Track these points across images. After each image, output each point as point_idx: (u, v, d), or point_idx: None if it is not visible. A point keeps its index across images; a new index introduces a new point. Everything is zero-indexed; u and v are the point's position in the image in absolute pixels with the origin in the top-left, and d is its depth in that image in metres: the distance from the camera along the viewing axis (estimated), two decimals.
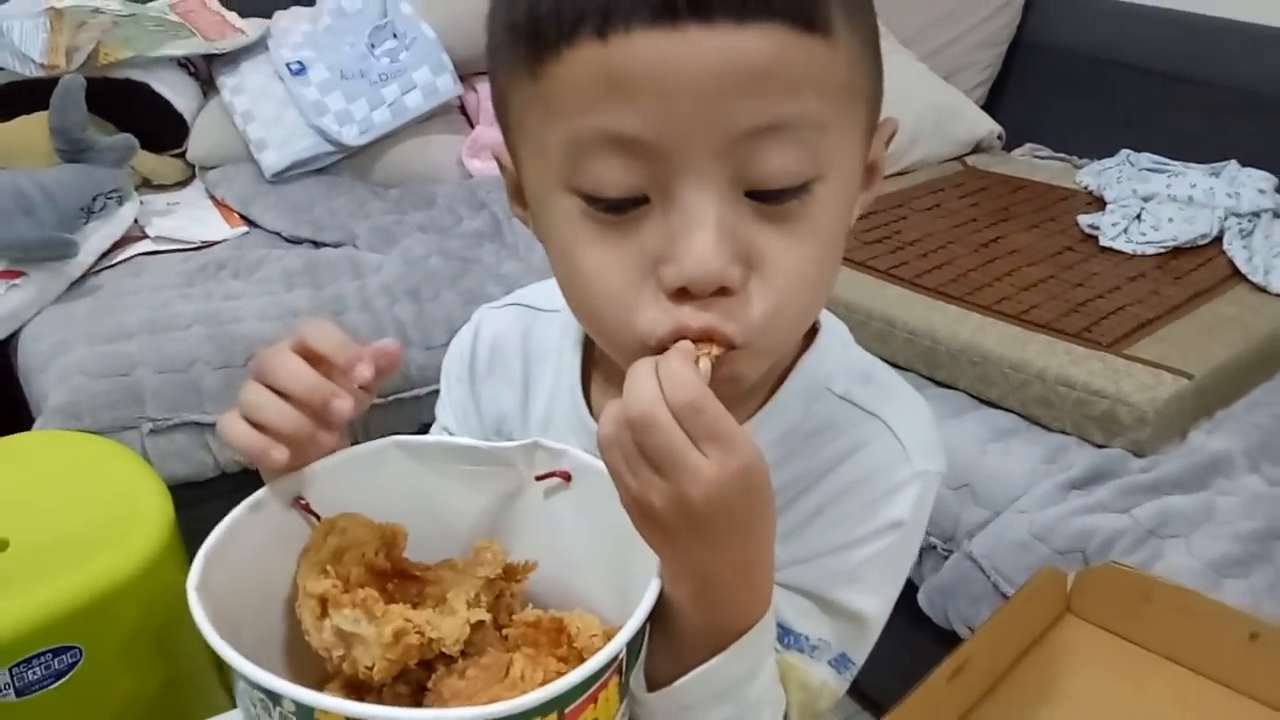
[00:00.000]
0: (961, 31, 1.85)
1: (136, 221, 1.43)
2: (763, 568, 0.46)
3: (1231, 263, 1.32)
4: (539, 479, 0.55)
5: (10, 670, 0.85)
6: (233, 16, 1.64)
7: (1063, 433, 1.09)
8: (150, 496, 1.00)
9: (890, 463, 0.53)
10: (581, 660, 0.48)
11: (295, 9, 1.77)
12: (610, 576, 0.53)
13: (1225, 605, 0.77)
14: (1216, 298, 1.25)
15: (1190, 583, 0.90)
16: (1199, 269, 1.31)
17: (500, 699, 0.46)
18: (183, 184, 1.60)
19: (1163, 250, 1.35)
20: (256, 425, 0.51)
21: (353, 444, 0.61)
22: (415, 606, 0.51)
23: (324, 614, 0.49)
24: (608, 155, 0.43)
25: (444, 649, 0.49)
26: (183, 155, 1.59)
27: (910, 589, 1.08)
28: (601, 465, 0.49)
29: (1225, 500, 0.98)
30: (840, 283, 0.50)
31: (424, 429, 1.30)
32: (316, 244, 1.43)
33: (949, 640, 1.09)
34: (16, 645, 0.85)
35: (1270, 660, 0.71)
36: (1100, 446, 1.06)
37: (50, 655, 0.88)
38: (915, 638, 1.06)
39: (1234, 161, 1.51)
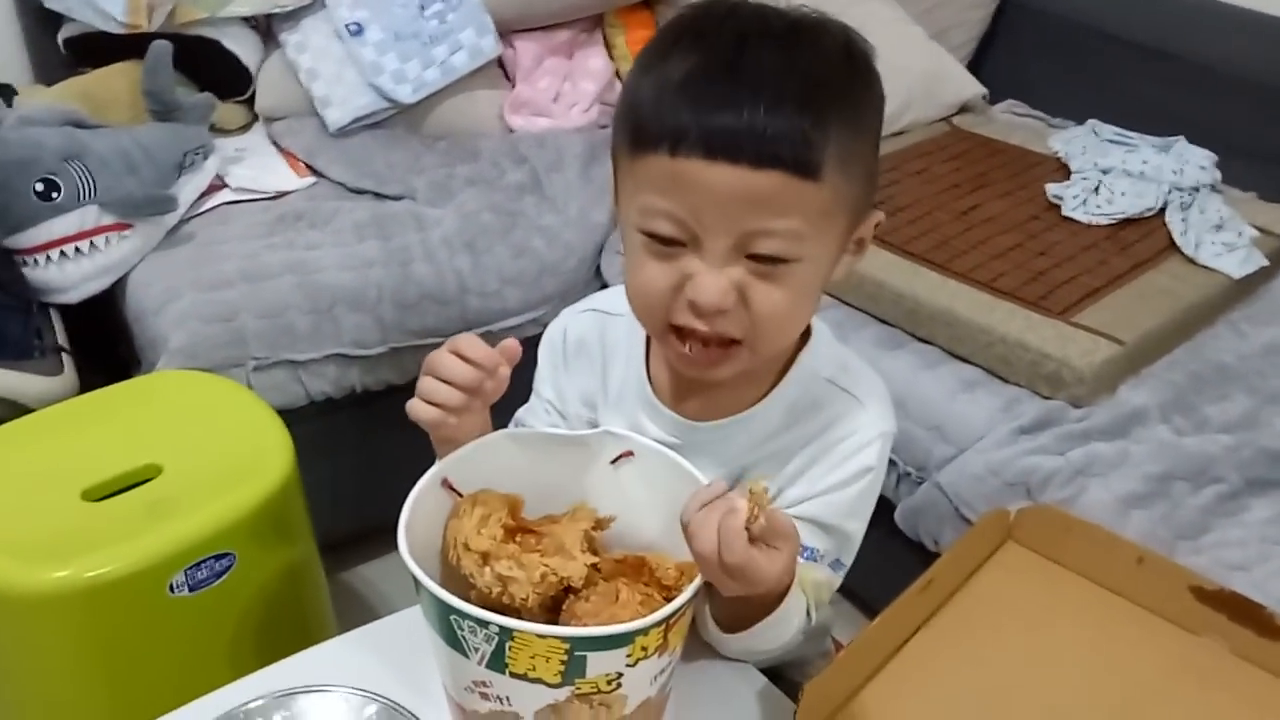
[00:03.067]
0: None
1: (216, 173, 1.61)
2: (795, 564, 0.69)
3: (1169, 234, 1.54)
4: (613, 462, 0.79)
5: (185, 571, 1.09)
6: None
7: (1018, 386, 1.32)
8: (274, 432, 1.23)
9: (862, 427, 0.79)
10: (661, 586, 0.74)
11: None
12: (666, 527, 0.75)
13: (1120, 536, 1.02)
14: (1153, 268, 1.47)
15: (1104, 514, 1.16)
16: (1143, 240, 1.53)
17: (617, 616, 0.72)
18: (244, 128, 1.78)
19: (1114, 222, 1.56)
20: (433, 405, 0.76)
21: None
22: (539, 554, 0.76)
23: (485, 563, 0.73)
24: (664, 220, 0.67)
25: (571, 584, 0.73)
26: (245, 103, 1.76)
27: (889, 508, 1.34)
28: (655, 445, 0.76)
29: (1138, 447, 1.22)
30: None
31: None
32: (378, 195, 1.62)
33: (918, 550, 1.35)
34: (190, 552, 1.09)
35: (1150, 577, 0.97)
36: (1046, 399, 1.30)
37: (213, 560, 1.12)
38: (891, 548, 1.31)
39: (1182, 138, 1.71)
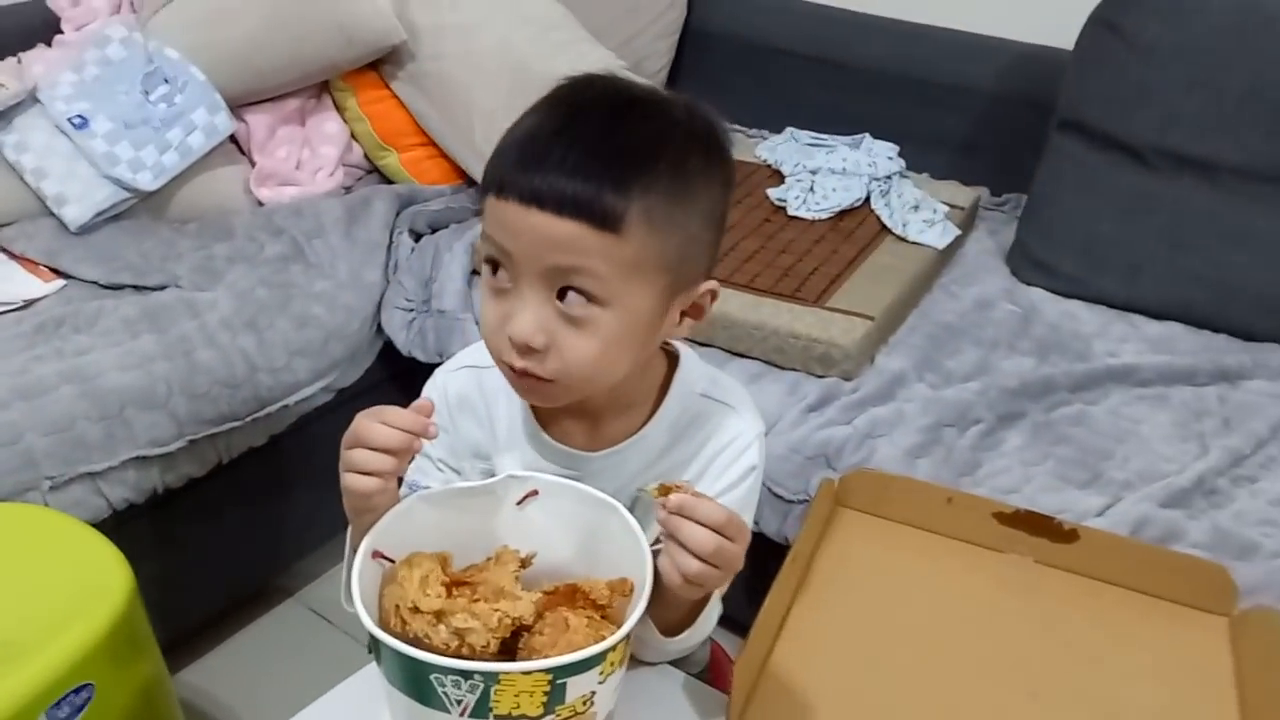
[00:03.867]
0: (643, 25, 2.17)
1: None
2: None
3: (879, 219, 1.78)
4: (519, 503, 0.86)
5: (47, 714, 1.04)
6: None
7: (794, 371, 1.48)
8: (100, 549, 1.18)
9: (741, 431, 0.91)
10: (596, 606, 0.82)
11: (39, 51, 1.80)
12: (579, 554, 0.84)
13: (929, 483, 1.21)
14: (875, 250, 1.70)
15: (895, 468, 1.34)
16: (859, 228, 1.75)
17: (573, 642, 0.78)
18: None
19: (832, 214, 1.78)
20: (360, 471, 0.79)
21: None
22: (476, 600, 0.81)
23: (439, 621, 0.78)
24: (492, 248, 0.76)
25: (523, 623, 0.79)
26: None
27: None
28: (558, 479, 0.84)
29: (907, 405, 1.42)
30: None
31: (275, 440, 1.54)
32: (137, 288, 1.56)
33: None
34: (49, 691, 1.05)
35: (959, 512, 1.15)
36: (821, 377, 1.47)
37: (73, 695, 1.07)
38: None
39: (867, 135, 1.97)
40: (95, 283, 1.57)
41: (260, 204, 1.79)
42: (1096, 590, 1.10)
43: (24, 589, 1.12)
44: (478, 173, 1.82)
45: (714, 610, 0.88)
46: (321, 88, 1.89)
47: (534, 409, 0.90)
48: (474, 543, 0.85)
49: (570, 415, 0.88)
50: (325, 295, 1.60)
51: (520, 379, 0.79)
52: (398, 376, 1.72)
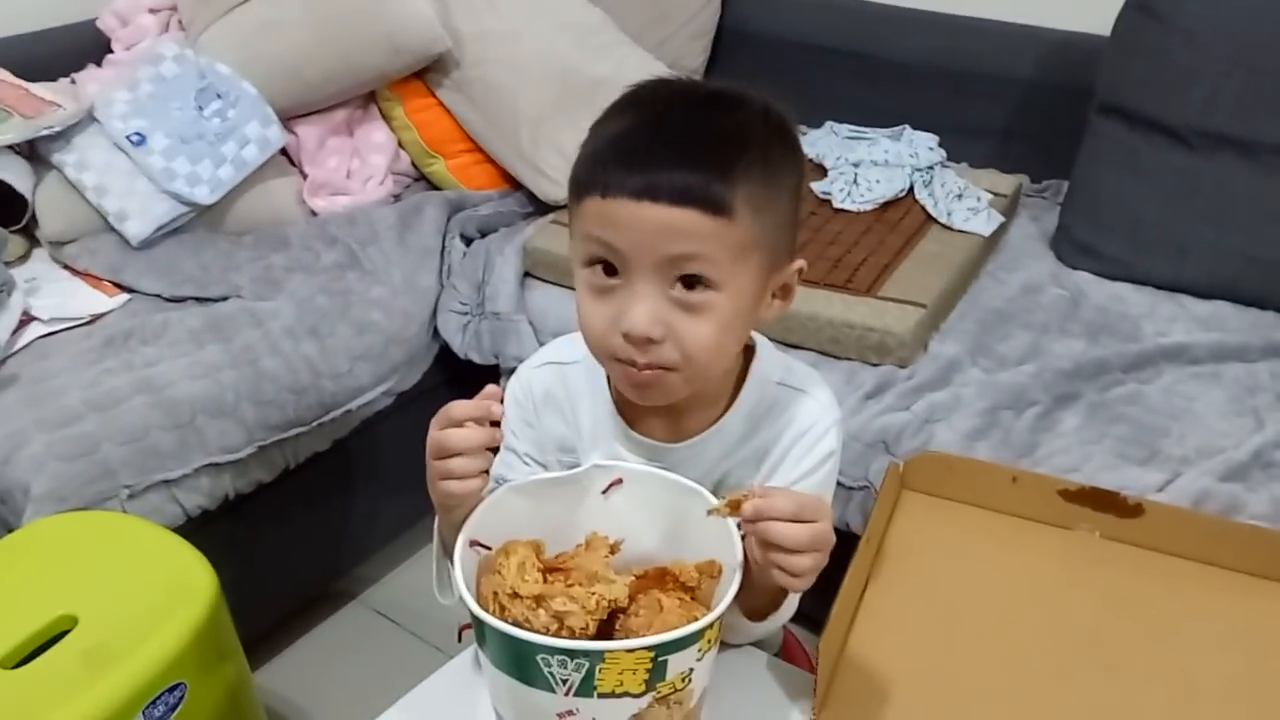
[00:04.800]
0: (677, 25, 2.20)
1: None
2: None
3: (924, 209, 1.80)
4: (604, 492, 0.88)
5: (143, 713, 1.08)
6: (37, 88, 1.71)
7: (850, 360, 1.50)
8: (182, 552, 1.21)
9: (819, 418, 0.93)
10: (685, 589, 0.84)
11: (91, 71, 1.85)
12: (663, 539, 0.87)
13: (992, 463, 1.23)
14: (921, 239, 1.71)
15: (952, 451, 1.36)
16: (905, 218, 1.77)
17: (668, 622, 0.81)
18: (23, 258, 1.69)
19: (877, 206, 1.80)
20: (457, 477, 0.80)
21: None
22: (570, 585, 0.84)
23: (539, 605, 0.80)
24: (599, 247, 0.78)
25: (618, 605, 0.82)
26: (20, 231, 1.68)
27: None
28: (641, 467, 0.87)
29: (964, 389, 1.43)
30: None
31: (338, 444, 1.57)
32: (200, 300, 1.60)
33: None
34: (145, 691, 1.08)
35: (1024, 491, 1.17)
36: (876, 365, 1.49)
37: (167, 694, 1.10)
38: None
39: (907, 126, 1.99)
40: (158, 296, 1.61)
41: (314, 214, 1.82)
42: (1164, 563, 1.11)
43: (114, 593, 1.15)
44: (525, 177, 1.85)
45: (794, 596, 0.90)
46: (368, 98, 1.92)
47: (619, 404, 0.93)
48: (563, 531, 0.88)
49: (654, 410, 0.91)
50: (382, 301, 1.64)
51: (637, 376, 0.81)
52: (454, 379, 1.75)
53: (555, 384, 0.96)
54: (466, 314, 1.70)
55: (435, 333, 1.71)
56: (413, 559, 1.84)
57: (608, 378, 0.93)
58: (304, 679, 1.65)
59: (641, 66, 1.98)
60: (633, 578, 0.84)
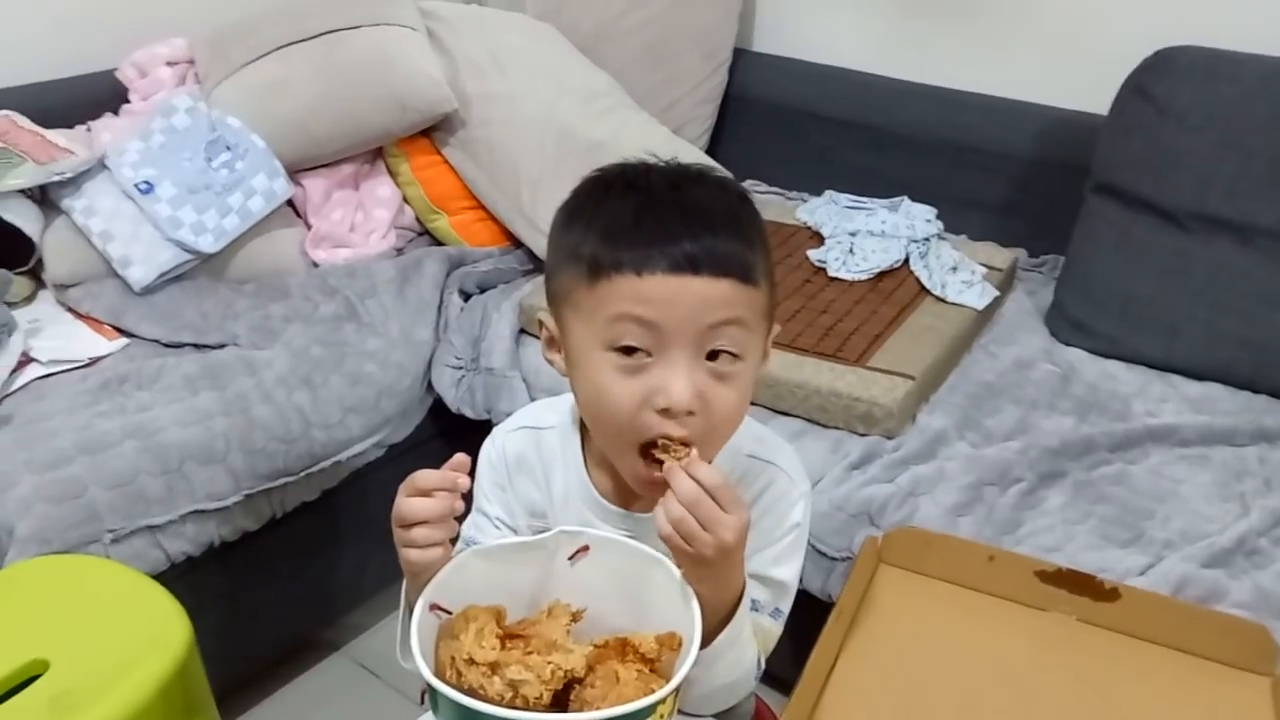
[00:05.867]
0: (684, 91, 2.23)
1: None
2: (742, 561, 0.83)
3: (918, 281, 1.81)
4: (570, 559, 0.88)
5: None
6: (53, 134, 1.75)
7: (837, 429, 1.51)
8: (159, 600, 1.21)
9: (787, 490, 0.94)
10: (644, 660, 0.84)
11: (107, 120, 1.89)
12: (627, 609, 0.87)
13: (970, 541, 1.23)
14: (914, 310, 1.72)
15: (937, 526, 1.35)
16: (899, 289, 1.78)
17: (624, 695, 0.81)
18: (28, 299, 1.72)
19: (872, 276, 1.81)
20: (419, 546, 0.82)
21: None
22: (529, 654, 0.84)
23: (494, 673, 0.80)
24: (634, 327, 0.79)
25: (575, 675, 0.82)
26: (27, 273, 1.71)
27: None
28: (609, 534, 0.87)
29: (949, 464, 1.43)
30: None
31: (326, 494, 1.57)
32: (198, 347, 1.61)
33: None
34: None
35: (1001, 570, 1.16)
36: (863, 435, 1.49)
37: None
38: None
39: (905, 198, 2.01)
40: (157, 341, 1.62)
41: (315, 265, 1.85)
42: (1139, 649, 1.11)
43: (87, 639, 1.15)
44: (524, 235, 1.88)
45: (745, 640, 0.88)
46: (375, 153, 1.96)
47: (591, 471, 0.94)
48: (526, 595, 0.89)
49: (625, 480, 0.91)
50: (378, 353, 1.65)
51: (658, 468, 0.80)
52: (446, 432, 1.76)
53: (529, 448, 0.97)
54: (461, 369, 1.72)
55: (429, 386, 1.72)
56: (398, 611, 1.83)
57: (583, 444, 0.94)
58: None
59: (642, 129, 2.01)
60: (591, 647, 0.84)
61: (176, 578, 1.44)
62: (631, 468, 0.84)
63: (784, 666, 1.02)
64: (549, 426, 0.97)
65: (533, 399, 1.67)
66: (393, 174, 1.95)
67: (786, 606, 0.95)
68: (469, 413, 1.71)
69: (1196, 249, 1.69)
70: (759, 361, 0.85)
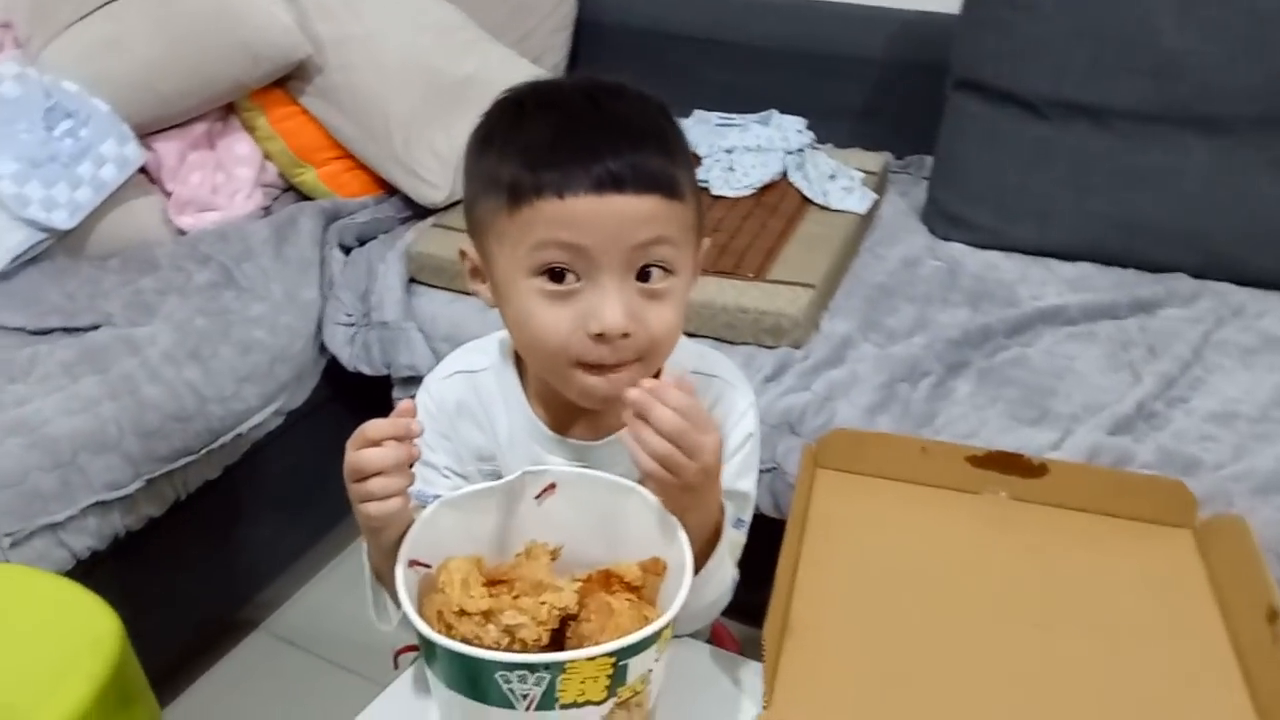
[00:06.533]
0: (536, 21, 2.17)
1: None
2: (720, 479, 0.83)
3: (799, 191, 1.83)
4: (537, 497, 0.87)
5: None
6: None
7: (746, 344, 1.52)
8: (79, 599, 1.13)
9: (735, 402, 0.95)
10: (632, 589, 0.84)
11: None
12: (600, 540, 0.86)
13: (901, 436, 1.26)
14: (801, 220, 1.74)
15: (855, 426, 1.39)
16: (782, 201, 1.79)
17: (621, 625, 0.80)
18: None
19: (754, 191, 1.82)
20: (377, 498, 0.77)
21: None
22: (516, 597, 0.83)
23: (488, 621, 0.79)
24: (559, 252, 0.77)
25: (569, 612, 0.81)
26: None
27: None
28: (573, 469, 0.86)
29: (859, 365, 1.47)
30: None
31: (229, 470, 1.52)
32: (68, 330, 1.50)
33: None
34: None
35: (934, 461, 1.20)
36: (772, 348, 1.51)
37: None
38: None
39: (774, 111, 2.02)
40: (21, 329, 1.51)
41: (182, 232, 1.74)
42: (1069, 518, 1.16)
43: (10, 651, 1.08)
44: (401, 181, 1.81)
45: (725, 557, 0.89)
46: (227, 109, 1.85)
47: (536, 406, 0.92)
48: (499, 541, 0.87)
49: (575, 411, 0.90)
50: (264, 318, 1.58)
51: (599, 375, 0.79)
52: (344, 393, 1.70)
53: (467, 393, 0.94)
54: (353, 325, 1.66)
55: (322, 347, 1.66)
56: (314, 580, 1.79)
57: (520, 379, 0.92)
58: (212, 714, 1.59)
59: (505, 62, 1.96)
60: (578, 583, 0.83)
61: (83, 575, 1.35)
62: (575, 383, 0.82)
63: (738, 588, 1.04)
64: (482, 369, 0.94)
65: (431, 349, 1.63)
66: (249, 129, 1.84)
67: (749, 516, 0.97)
68: (366, 369, 1.65)
69: (1058, 135, 1.76)
70: (691, 278, 0.84)
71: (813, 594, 1.05)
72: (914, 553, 1.12)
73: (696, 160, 1.92)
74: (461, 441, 0.95)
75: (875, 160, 1.96)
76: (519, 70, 1.94)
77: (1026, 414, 1.40)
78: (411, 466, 0.79)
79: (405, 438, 0.77)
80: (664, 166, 0.76)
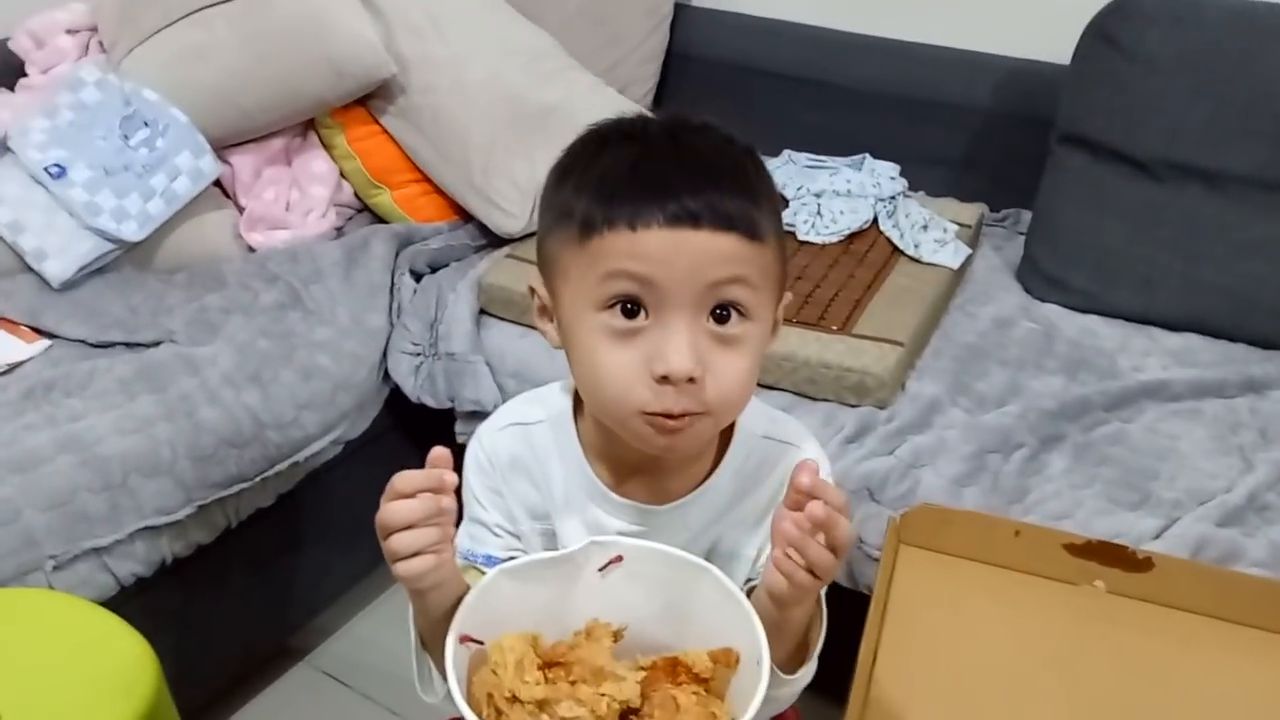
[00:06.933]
0: (626, 51, 2.12)
1: None
2: None
3: (890, 241, 1.75)
4: (601, 570, 0.79)
5: None
6: None
7: (827, 401, 1.44)
8: (119, 634, 1.09)
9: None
10: (698, 680, 0.76)
11: (3, 97, 1.72)
12: (665, 620, 0.79)
13: (993, 516, 1.17)
14: (891, 272, 1.66)
15: (941, 498, 1.30)
16: (871, 250, 1.71)
17: None
18: None
19: (842, 238, 1.74)
20: (403, 556, 0.71)
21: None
22: (573, 683, 0.76)
23: (542, 710, 0.72)
24: (629, 283, 0.72)
25: (630, 705, 0.74)
26: None
27: None
28: (643, 543, 0.78)
29: (947, 432, 1.38)
30: None
31: (282, 498, 1.47)
32: (129, 345, 1.47)
33: None
34: None
35: (1027, 545, 1.11)
36: (855, 407, 1.43)
37: None
38: None
39: (867, 155, 1.94)
40: (83, 341, 1.48)
41: (251, 250, 1.71)
42: (1175, 619, 1.07)
43: (41, 685, 1.03)
44: (476, 208, 1.76)
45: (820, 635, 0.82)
46: (306, 125, 1.82)
47: (594, 464, 0.86)
48: (558, 615, 0.80)
49: (636, 470, 0.85)
50: (329, 344, 1.53)
51: (669, 426, 0.74)
52: (405, 423, 1.65)
53: (521, 447, 0.88)
54: (419, 355, 1.61)
55: (386, 375, 1.61)
56: (363, 613, 1.74)
57: (578, 435, 0.86)
58: None
59: (592, 92, 1.91)
60: (641, 671, 0.76)
61: (126, 601, 1.31)
62: (636, 432, 0.76)
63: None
64: (538, 421, 0.88)
65: (498, 384, 1.58)
66: (327, 147, 1.81)
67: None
68: (430, 402, 1.60)
69: (1168, 198, 1.66)
70: (768, 330, 0.78)
71: (893, 682, 0.97)
72: (1002, 645, 1.04)
73: (784, 203, 1.85)
74: (513, 498, 0.89)
75: (970, 212, 1.87)
76: (605, 100, 1.89)
77: (1126, 497, 1.30)
78: (445, 519, 0.72)
79: (439, 490, 0.71)
80: (743, 206, 0.72)
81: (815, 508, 0.68)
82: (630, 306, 0.73)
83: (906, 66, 2.06)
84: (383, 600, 1.76)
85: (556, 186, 0.78)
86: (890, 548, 1.13)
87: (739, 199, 0.72)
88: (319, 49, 1.66)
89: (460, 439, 1.63)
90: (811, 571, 0.70)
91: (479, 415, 1.60)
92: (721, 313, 0.73)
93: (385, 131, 1.79)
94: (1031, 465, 1.35)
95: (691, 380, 0.72)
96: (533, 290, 0.83)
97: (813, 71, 2.11)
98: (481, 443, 0.90)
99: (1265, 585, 1.08)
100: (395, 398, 1.62)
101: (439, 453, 0.71)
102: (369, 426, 1.59)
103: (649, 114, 0.80)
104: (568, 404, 0.87)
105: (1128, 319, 1.67)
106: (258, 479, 1.42)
